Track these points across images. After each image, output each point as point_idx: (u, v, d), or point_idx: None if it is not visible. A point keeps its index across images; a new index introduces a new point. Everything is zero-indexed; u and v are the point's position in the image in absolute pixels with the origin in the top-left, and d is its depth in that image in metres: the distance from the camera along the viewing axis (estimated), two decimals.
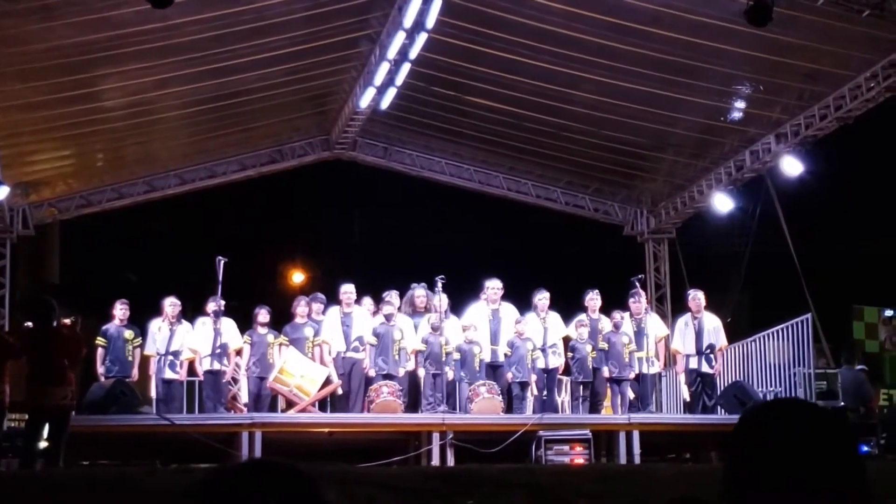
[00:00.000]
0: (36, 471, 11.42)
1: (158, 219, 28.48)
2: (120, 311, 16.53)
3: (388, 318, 16.42)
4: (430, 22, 16.07)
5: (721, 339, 17.20)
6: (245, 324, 16.77)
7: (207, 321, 16.44)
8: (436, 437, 14.92)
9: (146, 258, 30.70)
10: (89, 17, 14.99)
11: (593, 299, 17.37)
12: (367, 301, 17.05)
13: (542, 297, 17.03)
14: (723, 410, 16.62)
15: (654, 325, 17.73)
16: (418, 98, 19.67)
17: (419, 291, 17.35)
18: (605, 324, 17.26)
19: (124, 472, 12.98)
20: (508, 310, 17.04)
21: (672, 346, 17.67)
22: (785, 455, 2.05)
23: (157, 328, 16.54)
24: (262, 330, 16.45)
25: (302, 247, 32.99)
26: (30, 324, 12.42)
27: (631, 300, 17.47)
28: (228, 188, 22.83)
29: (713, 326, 17.21)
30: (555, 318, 17.03)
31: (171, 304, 16.60)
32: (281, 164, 21.99)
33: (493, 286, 16.99)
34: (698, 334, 17.08)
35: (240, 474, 2.05)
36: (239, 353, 16.48)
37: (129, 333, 16.40)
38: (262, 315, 16.51)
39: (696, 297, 17.42)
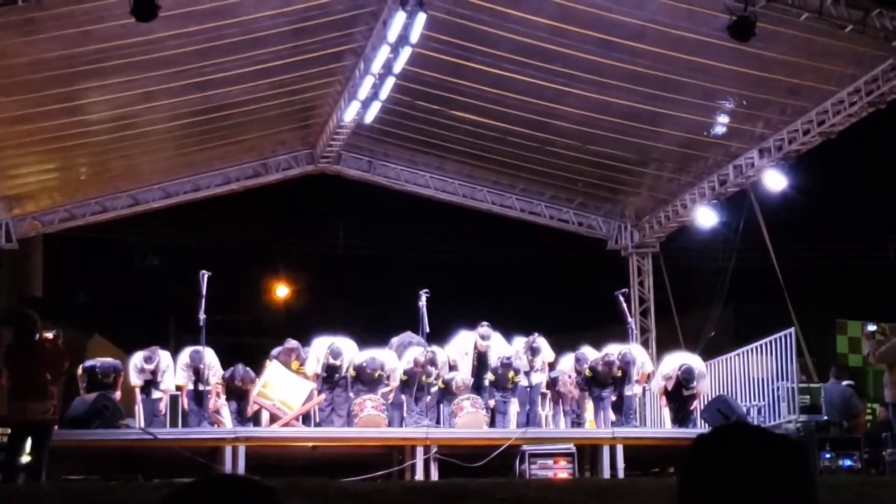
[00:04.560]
0: (18, 485, 11.36)
1: (142, 232, 28.45)
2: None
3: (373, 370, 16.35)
4: (415, 37, 16.07)
5: (702, 387, 17.27)
6: (229, 336, 16.74)
7: (187, 359, 16.33)
8: (420, 451, 14.92)
9: (130, 271, 30.66)
10: (73, 31, 14.96)
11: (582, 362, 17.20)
12: None
13: (535, 340, 16.86)
14: (706, 424, 16.62)
15: (639, 360, 17.63)
16: (403, 112, 19.66)
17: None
18: (591, 352, 17.19)
19: (107, 486, 12.94)
20: (496, 345, 16.89)
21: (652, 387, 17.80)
22: (737, 480, 2.07)
23: (139, 368, 16.38)
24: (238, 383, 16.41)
25: (286, 260, 33.00)
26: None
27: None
28: (213, 202, 22.79)
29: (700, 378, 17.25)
30: (542, 343, 16.91)
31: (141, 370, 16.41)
32: (265, 178, 21.94)
33: (485, 343, 16.77)
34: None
35: (202, 490, 2.04)
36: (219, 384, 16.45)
37: (110, 379, 16.29)
38: (237, 380, 16.35)
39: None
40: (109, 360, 17.02)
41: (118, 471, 15.74)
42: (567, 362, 17.23)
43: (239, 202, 24.57)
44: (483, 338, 16.72)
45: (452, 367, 16.72)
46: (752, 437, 2.16)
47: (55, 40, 15.11)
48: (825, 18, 14.45)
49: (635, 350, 17.72)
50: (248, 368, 16.45)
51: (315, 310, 17.15)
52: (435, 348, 16.61)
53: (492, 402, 16.49)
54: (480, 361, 16.74)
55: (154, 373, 16.31)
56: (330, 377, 16.29)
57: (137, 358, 16.40)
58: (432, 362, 16.20)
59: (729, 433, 2.22)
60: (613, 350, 17.15)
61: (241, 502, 2.02)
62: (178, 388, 16.52)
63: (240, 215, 29.23)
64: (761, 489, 2.06)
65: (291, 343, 16.79)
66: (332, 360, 16.19)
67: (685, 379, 16.84)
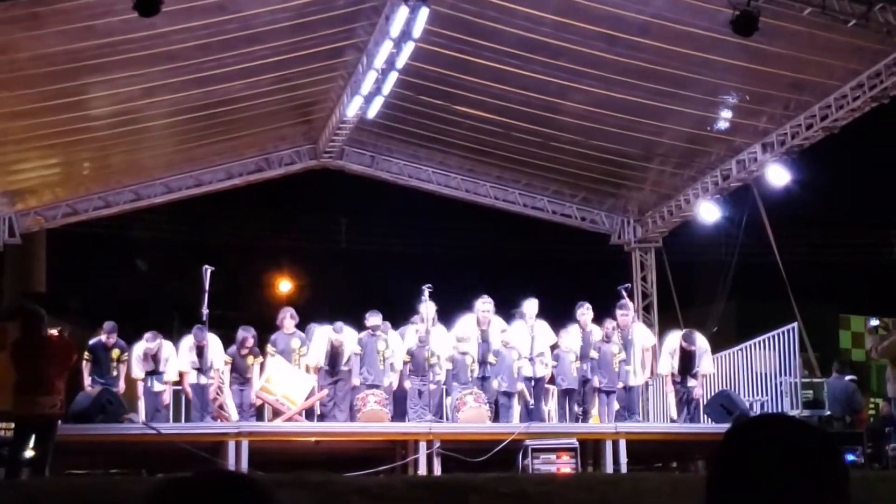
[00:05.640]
0: (22, 480, 11.37)
1: (145, 227, 28.48)
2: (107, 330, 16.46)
3: (374, 329, 16.43)
4: (417, 31, 16.07)
5: (706, 366, 17.15)
6: (232, 331, 16.74)
7: (191, 340, 16.33)
8: (422, 446, 14.92)
9: (133, 267, 30.68)
10: (76, 26, 14.96)
11: (584, 314, 17.25)
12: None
13: (530, 306, 16.96)
14: (709, 419, 16.64)
15: (641, 335, 17.71)
16: (405, 107, 19.66)
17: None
18: (596, 333, 17.21)
19: (111, 481, 12.95)
20: (497, 326, 16.95)
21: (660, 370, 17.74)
22: (770, 471, 2.05)
23: (143, 355, 16.38)
24: (244, 352, 16.39)
25: (289, 255, 33.02)
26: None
27: (619, 311, 17.43)
28: (215, 197, 22.80)
29: (703, 351, 17.14)
30: (543, 326, 16.99)
31: (143, 357, 16.43)
32: (268, 173, 21.94)
33: (485, 309, 16.85)
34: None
35: (191, 485, 2.03)
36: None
37: (115, 353, 16.30)
38: (249, 342, 16.40)
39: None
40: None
41: (122, 465, 15.76)
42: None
43: (241, 197, 24.58)
44: (483, 303, 16.81)
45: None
46: (788, 427, 2.15)
47: (58, 35, 15.10)
48: (828, 13, 14.44)
49: (636, 327, 17.75)
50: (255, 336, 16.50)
51: (318, 305, 17.15)
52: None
53: (495, 383, 16.46)
54: (484, 340, 16.74)
55: (156, 358, 16.29)
56: (333, 366, 16.33)
57: (139, 347, 16.39)
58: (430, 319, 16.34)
59: (762, 424, 2.20)
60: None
61: (232, 499, 2.01)
62: (181, 375, 16.46)
63: (242, 210, 29.27)
64: (796, 481, 2.05)
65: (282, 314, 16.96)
66: (334, 335, 16.25)
67: (686, 340, 16.86)
